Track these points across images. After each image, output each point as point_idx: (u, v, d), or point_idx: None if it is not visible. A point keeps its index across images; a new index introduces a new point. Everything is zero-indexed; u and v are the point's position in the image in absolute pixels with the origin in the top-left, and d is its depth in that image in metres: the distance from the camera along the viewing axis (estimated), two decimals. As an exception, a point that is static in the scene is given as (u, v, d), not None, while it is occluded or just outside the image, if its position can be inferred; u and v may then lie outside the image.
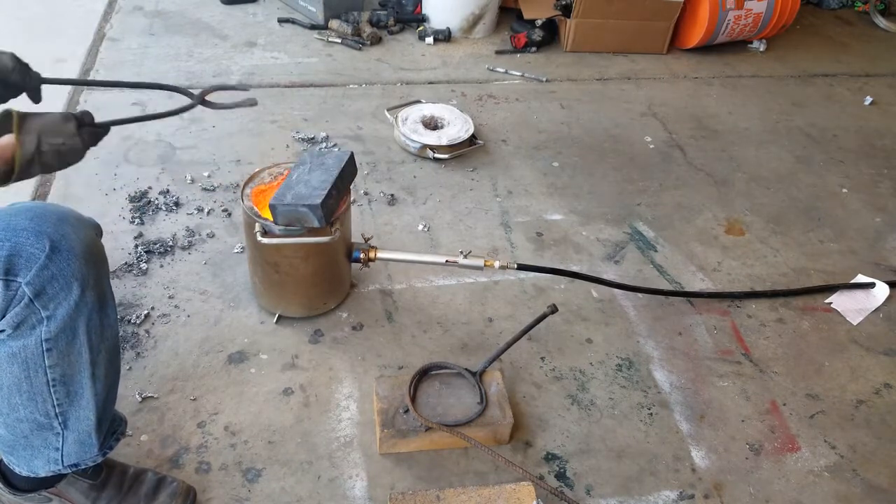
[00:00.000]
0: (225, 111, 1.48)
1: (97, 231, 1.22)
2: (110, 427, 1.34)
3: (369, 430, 1.68)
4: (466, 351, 1.90)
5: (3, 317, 1.09)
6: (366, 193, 2.40)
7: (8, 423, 1.22)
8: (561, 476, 1.63)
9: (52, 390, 1.18)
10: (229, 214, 2.25)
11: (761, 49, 3.61)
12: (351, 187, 1.81)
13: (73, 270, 1.10)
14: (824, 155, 2.88)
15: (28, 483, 1.36)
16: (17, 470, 1.29)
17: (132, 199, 2.25)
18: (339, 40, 3.28)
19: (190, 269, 2.05)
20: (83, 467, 1.31)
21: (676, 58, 3.49)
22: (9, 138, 1.04)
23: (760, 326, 2.07)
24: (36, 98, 1.21)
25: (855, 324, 2.11)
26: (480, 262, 1.83)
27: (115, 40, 3.13)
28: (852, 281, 2.25)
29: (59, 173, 2.32)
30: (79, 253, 1.11)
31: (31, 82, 1.18)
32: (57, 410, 1.21)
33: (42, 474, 1.29)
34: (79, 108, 2.63)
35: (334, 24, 3.34)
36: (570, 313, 2.03)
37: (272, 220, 1.66)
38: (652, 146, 2.81)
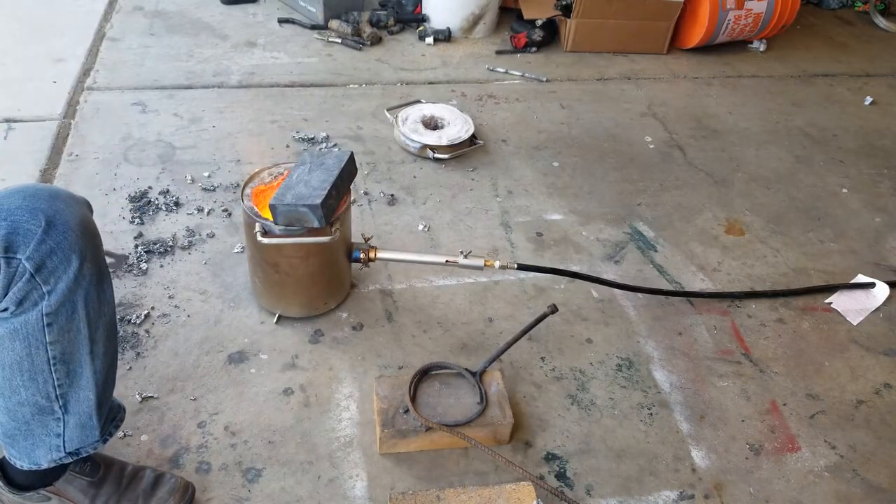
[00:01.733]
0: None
1: (89, 208, 1.24)
2: (109, 413, 1.34)
3: (369, 430, 1.68)
4: (466, 351, 1.90)
5: (6, 295, 1.10)
6: (366, 193, 2.40)
7: (9, 408, 1.22)
8: (561, 476, 1.63)
9: (52, 369, 1.19)
10: (229, 214, 2.25)
11: (761, 49, 3.61)
12: (351, 187, 1.81)
13: (70, 243, 1.11)
14: (824, 155, 2.88)
15: (28, 479, 1.36)
16: (18, 464, 1.30)
17: (132, 199, 2.25)
18: (339, 40, 3.28)
19: (190, 269, 2.05)
20: (84, 455, 1.32)
21: (676, 58, 3.49)
22: None
23: (760, 326, 2.07)
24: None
25: (855, 324, 2.11)
26: (480, 262, 1.83)
27: (116, 40, 3.13)
28: (852, 281, 2.25)
29: (58, 173, 2.32)
30: (74, 227, 1.12)
31: None
32: (58, 392, 1.21)
33: (44, 465, 1.30)
34: (79, 109, 2.65)
35: (334, 24, 3.34)
36: (570, 313, 2.03)
37: (272, 220, 1.66)
38: (652, 146, 2.81)
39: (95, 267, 1.18)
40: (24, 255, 1.08)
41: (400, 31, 3.46)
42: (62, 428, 1.26)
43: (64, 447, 1.29)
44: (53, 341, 1.16)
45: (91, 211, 1.24)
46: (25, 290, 1.10)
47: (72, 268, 1.12)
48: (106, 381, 1.29)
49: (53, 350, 1.17)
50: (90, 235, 1.17)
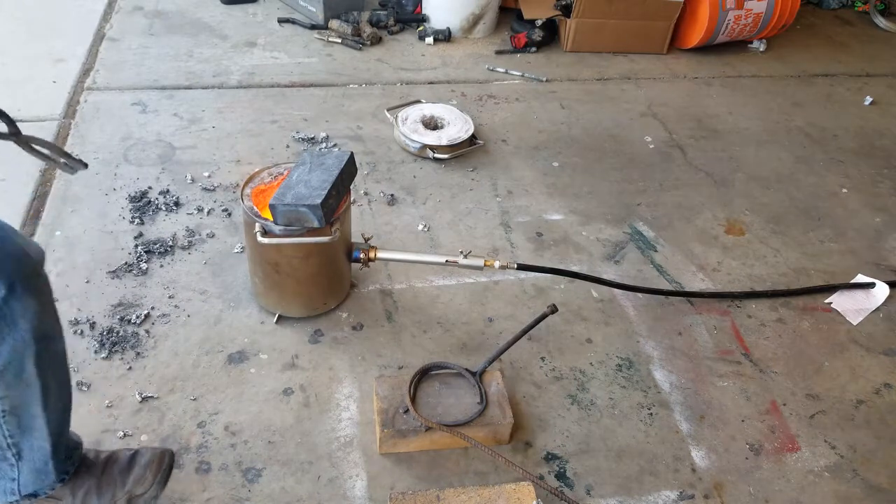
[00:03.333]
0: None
1: (40, 259, 1.19)
2: (66, 452, 1.33)
3: (369, 430, 1.68)
4: (466, 351, 1.90)
5: None
6: (366, 193, 2.40)
7: None
8: (561, 476, 1.63)
9: (3, 421, 1.19)
10: (229, 214, 2.25)
11: (761, 49, 3.61)
12: (351, 187, 1.81)
13: (11, 310, 1.09)
14: (824, 155, 2.88)
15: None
16: None
17: (132, 199, 2.25)
18: (339, 40, 3.28)
19: (190, 269, 2.05)
20: (41, 496, 1.31)
21: (676, 58, 3.49)
22: None
23: (760, 326, 2.07)
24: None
25: (855, 324, 2.11)
26: (480, 262, 1.83)
27: (115, 40, 3.13)
28: (852, 281, 2.25)
29: (58, 173, 2.32)
30: (19, 293, 1.10)
31: None
32: (10, 441, 1.22)
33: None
34: (79, 109, 2.64)
35: (334, 24, 3.34)
36: (570, 313, 2.03)
37: (272, 220, 1.67)
38: (652, 146, 2.81)
39: (43, 327, 1.16)
40: None
41: (400, 31, 3.46)
42: (17, 473, 1.26)
43: (19, 491, 1.28)
44: (2, 397, 1.16)
45: (42, 262, 1.19)
46: None
47: (18, 332, 1.11)
48: (61, 428, 1.29)
49: (3, 405, 1.17)
50: (36, 296, 1.14)
